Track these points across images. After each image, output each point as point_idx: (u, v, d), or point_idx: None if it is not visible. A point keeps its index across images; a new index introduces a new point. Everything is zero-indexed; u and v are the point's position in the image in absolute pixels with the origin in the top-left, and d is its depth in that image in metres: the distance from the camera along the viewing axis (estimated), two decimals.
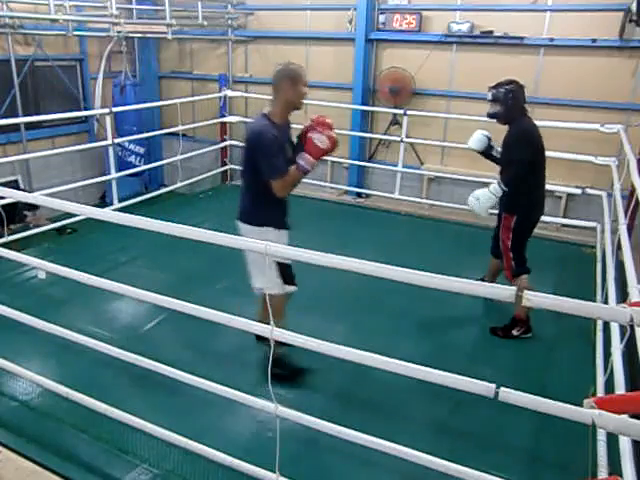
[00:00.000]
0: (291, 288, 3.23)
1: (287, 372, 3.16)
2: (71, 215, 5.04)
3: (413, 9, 6.61)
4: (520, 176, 3.63)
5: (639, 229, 4.84)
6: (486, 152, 4.01)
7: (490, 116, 3.81)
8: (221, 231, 2.10)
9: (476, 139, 3.99)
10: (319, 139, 2.90)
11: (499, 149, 3.95)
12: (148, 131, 7.11)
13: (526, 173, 3.64)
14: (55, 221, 5.72)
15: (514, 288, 1.60)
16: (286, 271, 3.13)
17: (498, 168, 3.96)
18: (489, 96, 3.74)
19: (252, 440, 2.76)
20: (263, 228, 3.04)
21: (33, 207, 6.54)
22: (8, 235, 4.80)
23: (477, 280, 4.44)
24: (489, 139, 3.97)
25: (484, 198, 3.68)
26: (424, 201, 6.73)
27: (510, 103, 3.67)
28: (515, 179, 3.64)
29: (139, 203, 6.04)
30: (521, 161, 3.61)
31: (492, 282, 4.18)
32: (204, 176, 7.34)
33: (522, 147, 3.64)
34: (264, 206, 3.06)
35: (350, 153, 7.23)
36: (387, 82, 6.80)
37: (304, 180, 7.45)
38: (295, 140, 3.16)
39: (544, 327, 3.93)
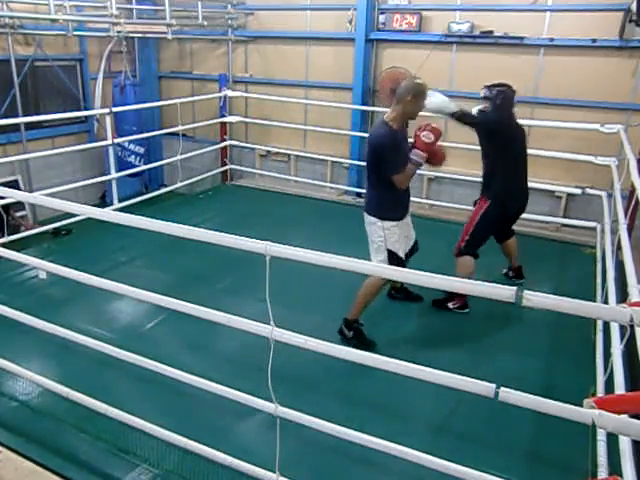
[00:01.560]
0: None
1: (357, 340, 3.58)
2: (68, 216, 5.05)
3: (413, 9, 6.61)
4: (470, 122, 3.98)
5: (639, 229, 4.84)
6: (456, 116, 4.06)
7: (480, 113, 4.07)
8: (221, 231, 2.10)
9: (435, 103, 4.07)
10: (426, 136, 3.44)
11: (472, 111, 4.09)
12: (148, 131, 7.12)
13: (496, 164, 3.99)
14: (44, 223, 5.74)
15: (514, 288, 1.60)
16: (396, 260, 3.53)
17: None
18: (481, 93, 4.03)
19: (252, 440, 2.76)
20: (384, 222, 3.53)
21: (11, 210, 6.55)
22: (8, 235, 4.81)
23: (504, 272, 4.57)
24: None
25: (441, 103, 3.99)
26: (424, 201, 6.73)
27: (498, 103, 3.94)
28: (469, 122, 3.98)
29: (139, 203, 6.04)
30: (479, 120, 3.97)
31: (516, 266, 4.53)
32: (204, 176, 7.35)
33: (486, 121, 3.97)
34: (385, 202, 3.56)
35: (350, 153, 7.23)
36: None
37: (304, 180, 7.45)
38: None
39: (544, 327, 3.93)
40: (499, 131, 3.96)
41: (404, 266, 3.57)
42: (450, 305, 4.11)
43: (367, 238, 3.67)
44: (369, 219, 3.60)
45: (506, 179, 4.03)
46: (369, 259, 3.60)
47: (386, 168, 3.43)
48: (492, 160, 4.05)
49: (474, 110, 4.13)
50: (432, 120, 3.77)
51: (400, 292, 4.25)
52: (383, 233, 3.54)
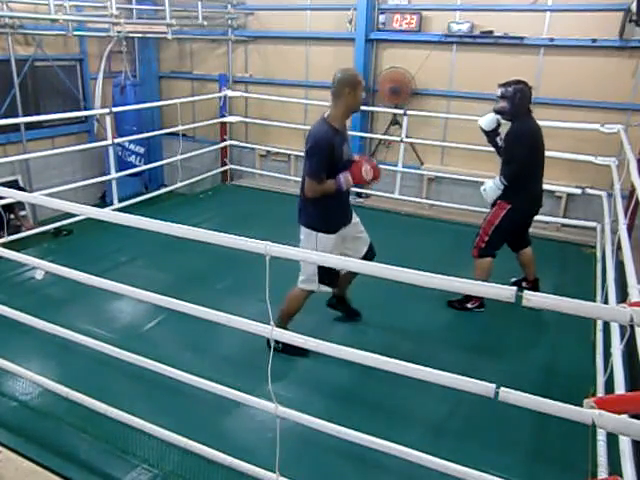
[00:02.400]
0: (324, 289, 3.38)
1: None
2: (68, 216, 5.05)
3: (413, 9, 6.61)
4: (518, 173, 3.91)
5: (639, 229, 4.84)
6: (491, 135, 4.15)
7: (497, 112, 4.00)
8: (221, 231, 2.10)
9: (487, 119, 4.13)
10: (365, 169, 3.23)
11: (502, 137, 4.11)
12: (148, 131, 7.12)
13: (524, 170, 3.91)
14: (44, 223, 5.74)
15: (514, 288, 1.60)
16: (326, 272, 3.24)
17: (497, 164, 4.10)
18: (498, 92, 3.93)
19: (252, 440, 2.76)
20: (318, 234, 3.27)
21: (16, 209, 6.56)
22: (8, 235, 4.81)
23: (517, 281, 4.34)
24: (499, 125, 4.12)
25: (490, 191, 4.03)
26: (424, 201, 6.73)
27: (517, 102, 3.86)
28: (513, 175, 3.91)
29: (139, 203, 6.04)
30: (520, 160, 3.88)
31: (533, 276, 4.40)
32: (204, 176, 7.35)
33: (522, 146, 3.89)
34: (318, 212, 3.26)
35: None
36: (387, 82, 6.80)
37: None
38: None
39: (544, 327, 3.93)
40: (531, 145, 3.94)
41: (337, 277, 3.38)
42: (469, 305, 4.12)
43: (370, 239, 3.58)
44: (302, 230, 3.35)
45: (531, 183, 4.04)
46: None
47: (307, 168, 3.20)
48: (517, 165, 3.94)
49: (490, 118, 4.07)
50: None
51: (342, 304, 3.97)
52: (315, 246, 3.25)
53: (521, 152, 3.86)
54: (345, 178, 3.19)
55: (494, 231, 4.02)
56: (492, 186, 4.00)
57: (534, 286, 4.37)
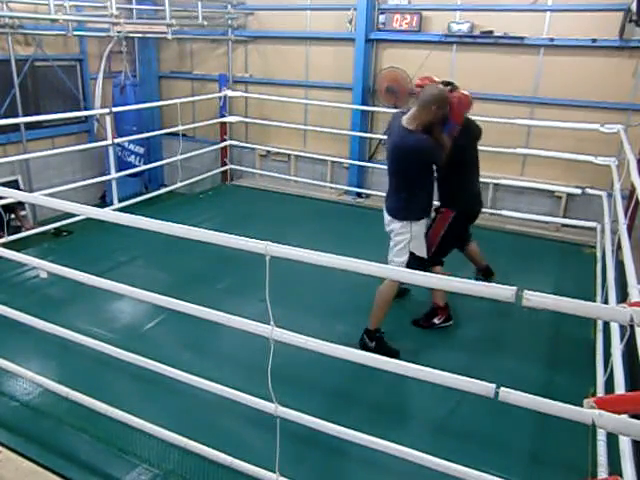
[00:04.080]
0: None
1: (381, 351, 3.42)
2: (68, 216, 5.04)
3: (413, 9, 6.61)
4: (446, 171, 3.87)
5: (639, 229, 4.84)
6: None
7: None
8: (221, 231, 2.10)
9: None
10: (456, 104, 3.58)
11: None
12: (148, 131, 7.12)
13: (456, 173, 3.82)
14: (44, 223, 5.74)
15: (514, 288, 1.60)
16: (415, 264, 3.48)
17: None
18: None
19: (252, 440, 2.76)
20: (414, 223, 3.54)
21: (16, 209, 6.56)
22: (9, 235, 4.81)
23: (476, 277, 4.38)
24: None
25: None
26: None
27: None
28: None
29: (139, 203, 6.04)
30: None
31: (482, 263, 4.28)
32: (204, 176, 7.35)
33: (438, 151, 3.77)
34: (422, 203, 3.59)
35: (350, 153, 7.23)
36: (385, 82, 6.80)
37: (304, 180, 7.42)
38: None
39: (544, 327, 3.93)
40: (461, 145, 3.75)
41: (425, 266, 3.57)
42: (436, 320, 3.95)
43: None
44: (400, 224, 3.55)
45: (467, 184, 3.97)
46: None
47: (440, 163, 3.54)
48: (452, 170, 3.76)
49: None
50: None
51: None
52: (410, 235, 3.52)
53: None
54: (453, 129, 3.56)
55: (442, 241, 3.91)
56: None
57: (487, 272, 4.32)
